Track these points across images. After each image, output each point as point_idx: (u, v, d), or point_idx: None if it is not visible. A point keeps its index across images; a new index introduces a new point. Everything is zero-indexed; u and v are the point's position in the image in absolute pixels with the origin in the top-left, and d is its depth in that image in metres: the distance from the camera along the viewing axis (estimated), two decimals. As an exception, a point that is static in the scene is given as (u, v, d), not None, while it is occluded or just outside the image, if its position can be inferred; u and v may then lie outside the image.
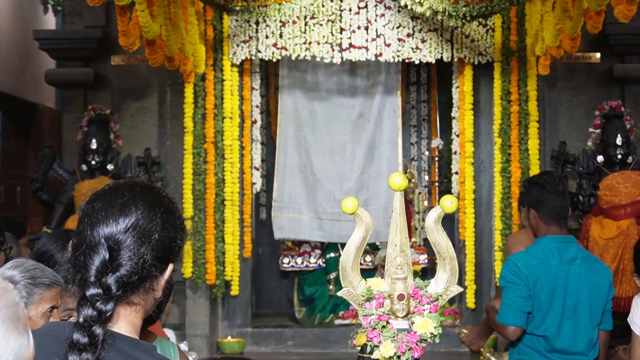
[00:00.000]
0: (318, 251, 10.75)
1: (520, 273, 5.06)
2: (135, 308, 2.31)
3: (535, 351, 5.09)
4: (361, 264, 3.35)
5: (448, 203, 3.10)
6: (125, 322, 2.30)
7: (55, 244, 4.07)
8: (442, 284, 3.14)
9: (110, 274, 2.20)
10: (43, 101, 11.37)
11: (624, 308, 8.40)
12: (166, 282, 2.37)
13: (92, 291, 2.15)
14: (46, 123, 10.97)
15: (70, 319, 4.92)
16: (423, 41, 9.28)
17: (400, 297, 3.07)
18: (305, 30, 9.24)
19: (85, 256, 2.19)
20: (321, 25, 9.24)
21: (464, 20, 8.17)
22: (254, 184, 9.88)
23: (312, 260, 10.72)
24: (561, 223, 5.26)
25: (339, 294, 3.16)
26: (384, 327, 3.05)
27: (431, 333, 3.06)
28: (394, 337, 3.03)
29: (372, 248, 10.57)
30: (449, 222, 9.73)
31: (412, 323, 3.08)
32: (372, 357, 3.06)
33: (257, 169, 9.94)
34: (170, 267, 2.37)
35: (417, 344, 3.04)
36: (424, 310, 3.09)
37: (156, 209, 2.31)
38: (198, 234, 9.23)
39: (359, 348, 3.54)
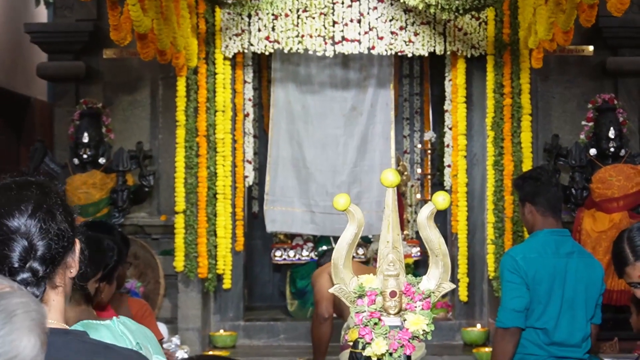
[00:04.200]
0: (310, 244, 10.76)
1: (519, 268, 5.08)
2: (57, 291, 2.36)
3: (533, 344, 5.11)
4: (353, 256, 3.34)
5: (440, 199, 3.09)
6: (53, 311, 2.34)
7: None
8: (435, 281, 3.13)
9: (32, 257, 2.24)
10: (35, 94, 11.33)
11: (615, 301, 8.43)
12: (78, 258, 2.44)
13: (22, 276, 2.20)
14: (38, 116, 10.94)
15: None
16: (416, 34, 9.25)
17: (393, 294, 3.06)
18: (298, 23, 9.21)
19: (3, 248, 2.22)
20: (313, 18, 9.21)
21: (456, 13, 8.16)
22: (246, 177, 9.86)
23: (305, 253, 10.72)
24: (557, 215, 5.30)
25: (330, 291, 3.15)
26: (376, 324, 3.04)
27: (423, 330, 3.05)
28: (386, 334, 3.02)
29: (365, 241, 10.57)
30: (442, 216, 9.73)
31: (405, 320, 3.07)
32: (364, 354, 3.05)
33: (250, 162, 9.93)
34: (77, 242, 2.44)
35: (409, 341, 3.03)
36: (416, 307, 3.08)
37: (47, 190, 2.39)
38: (190, 228, 9.20)
39: (352, 343, 3.53)
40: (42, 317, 1.83)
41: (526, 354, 5.12)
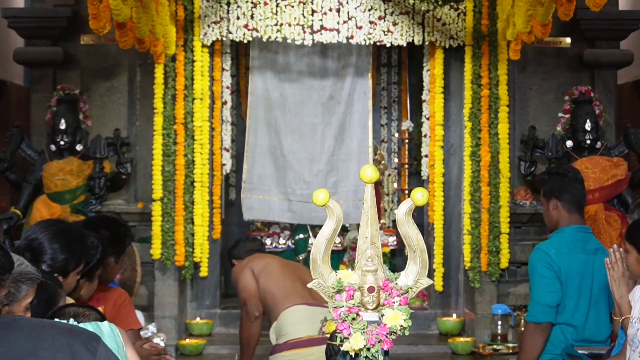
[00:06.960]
0: (287, 232, 10.77)
1: (552, 262, 5.10)
2: None
3: (563, 344, 5.13)
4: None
5: (419, 196, 3.11)
6: None
7: (45, 232, 4.12)
8: (412, 277, 3.16)
9: None
10: (11, 78, 11.25)
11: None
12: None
13: None
14: (14, 101, 10.85)
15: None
16: (394, 24, 9.26)
17: (371, 289, 3.08)
18: (277, 11, 9.19)
19: None
20: (292, 6, 9.18)
21: (435, 4, 8.17)
22: (224, 165, 9.85)
23: (282, 241, 10.74)
24: (581, 212, 5.33)
25: (309, 285, 3.17)
26: (354, 319, 3.06)
27: (401, 325, 3.08)
28: (363, 329, 3.05)
29: (342, 229, 10.58)
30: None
31: (382, 315, 3.09)
32: (342, 349, 3.07)
33: (227, 150, 9.92)
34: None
35: (386, 337, 3.06)
36: (394, 302, 3.11)
37: None
38: (167, 216, 9.19)
39: (329, 335, 3.55)
40: None
41: (558, 354, 5.14)
